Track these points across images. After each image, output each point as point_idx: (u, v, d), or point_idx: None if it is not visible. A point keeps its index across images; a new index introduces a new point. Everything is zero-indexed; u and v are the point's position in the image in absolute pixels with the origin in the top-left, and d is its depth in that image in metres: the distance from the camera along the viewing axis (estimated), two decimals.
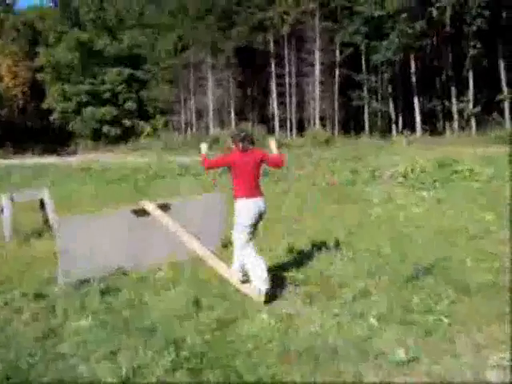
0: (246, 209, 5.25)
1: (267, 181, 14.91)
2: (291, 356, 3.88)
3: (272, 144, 5.70)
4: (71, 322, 4.65)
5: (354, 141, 39.63)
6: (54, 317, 4.81)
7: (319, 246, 6.91)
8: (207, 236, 6.31)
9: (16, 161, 33.57)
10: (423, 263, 5.87)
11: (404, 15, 39.96)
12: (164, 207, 6.30)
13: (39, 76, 58.53)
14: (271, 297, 5.14)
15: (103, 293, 5.28)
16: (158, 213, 6.17)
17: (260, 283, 5.06)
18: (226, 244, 6.72)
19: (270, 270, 5.94)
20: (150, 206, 6.22)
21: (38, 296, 5.29)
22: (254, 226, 5.37)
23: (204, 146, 5.65)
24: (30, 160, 34.53)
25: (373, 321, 4.46)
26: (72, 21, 58.53)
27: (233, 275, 5.44)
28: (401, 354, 3.83)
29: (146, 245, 6.21)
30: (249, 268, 5.24)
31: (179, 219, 6.10)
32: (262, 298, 5.03)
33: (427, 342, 4.06)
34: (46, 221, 8.66)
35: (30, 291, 5.37)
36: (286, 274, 5.82)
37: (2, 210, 8.19)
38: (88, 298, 5.14)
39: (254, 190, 5.34)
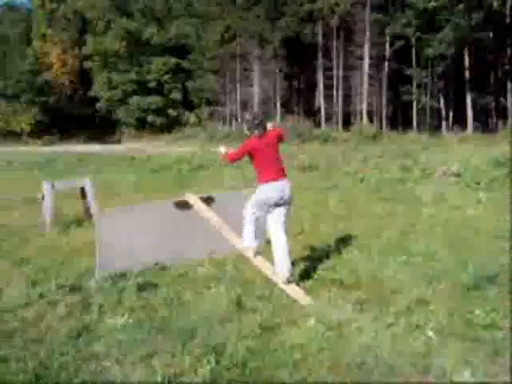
0: (271, 191, 5.13)
1: (313, 175, 14.55)
2: (343, 370, 3.51)
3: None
4: (106, 319, 4.41)
5: (401, 137, 38.59)
6: (89, 312, 4.58)
7: (369, 247, 6.50)
8: None
9: (61, 148, 34.05)
10: (485, 271, 5.37)
11: (460, 6, 38.19)
12: (208, 200, 6.01)
13: (86, 64, 59.40)
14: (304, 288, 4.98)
15: (140, 289, 5.03)
16: (200, 206, 5.88)
17: (259, 240, 5.38)
18: (269, 240, 6.37)
19: (316, 271, 5.60)
20: (192, 199, 5.93)
21: (74, 289, 5.09)
22: (279, 206, 5.20)
23: (222, 148, 5.56)
24: (75, 147, 35.00)
25: (431, 334, 4.04)
26: (121, 10, 59.16)
27: (278, 275, 5.09)
28: (467, 375, 3.40)
29: (187, 239, 5.93)
30: (250, 226, 5.37)
31: (222, 213, 5.80)
32: (250, 253, 5.35)
33: (496, 363, 3.61)
34: (87, 210, 8.51)
35: (67, 283, 5.19)
36: (334, 276, 5.42)
37: (43, 198, 8.08)
38: (125, 294, 4.90)
39: (280, 172, 5.21)
